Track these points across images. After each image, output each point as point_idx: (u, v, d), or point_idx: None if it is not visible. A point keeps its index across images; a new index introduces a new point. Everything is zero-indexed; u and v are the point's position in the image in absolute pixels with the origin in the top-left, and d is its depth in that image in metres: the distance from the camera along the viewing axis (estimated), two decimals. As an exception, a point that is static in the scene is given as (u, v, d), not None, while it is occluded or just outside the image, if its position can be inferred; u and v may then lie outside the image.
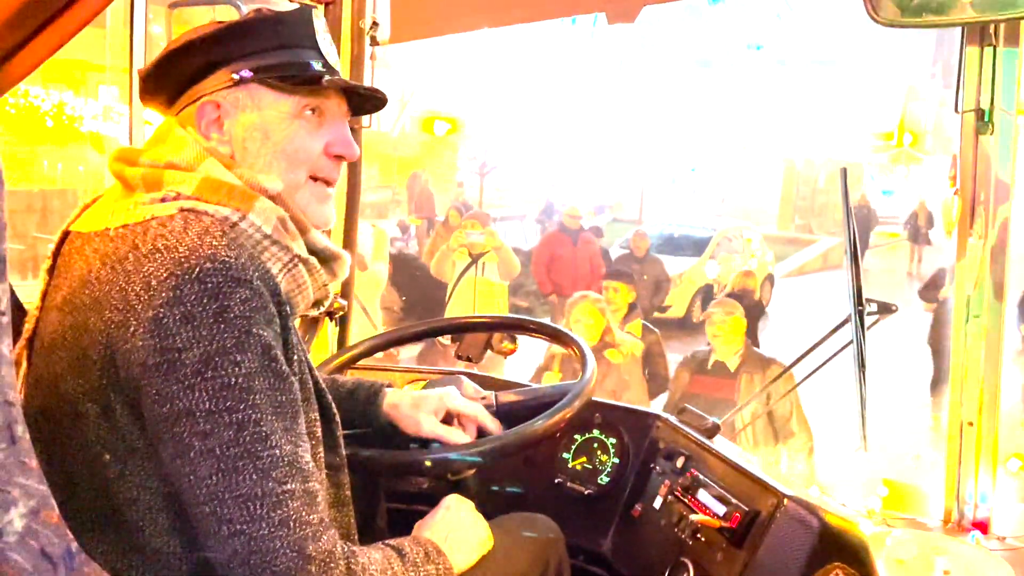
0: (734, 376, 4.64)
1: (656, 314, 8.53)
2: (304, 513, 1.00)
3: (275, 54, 1.18)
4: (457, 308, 6.75)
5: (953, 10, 1.39)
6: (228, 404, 0.98)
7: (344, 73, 2.09)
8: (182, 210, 1.07)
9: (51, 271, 1.16)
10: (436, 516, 1.31)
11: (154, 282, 0.99)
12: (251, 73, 1.16)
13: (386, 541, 1.19)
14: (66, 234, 1.16)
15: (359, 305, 6.17)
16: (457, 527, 1.29)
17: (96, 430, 1.03)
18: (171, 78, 1.19)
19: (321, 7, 2.07)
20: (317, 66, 1.20)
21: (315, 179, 1.22)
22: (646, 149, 20.63)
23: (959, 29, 1.53)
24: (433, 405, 1.46)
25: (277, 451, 1.00)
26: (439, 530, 1.27)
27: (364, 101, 1.29)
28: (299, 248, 1.16)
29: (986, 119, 1.52)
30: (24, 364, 1.13)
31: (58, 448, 1.06)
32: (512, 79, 17.99)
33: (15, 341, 1.10)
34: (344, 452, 1.26)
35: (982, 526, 1.69)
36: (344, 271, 1.28)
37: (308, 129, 1.19)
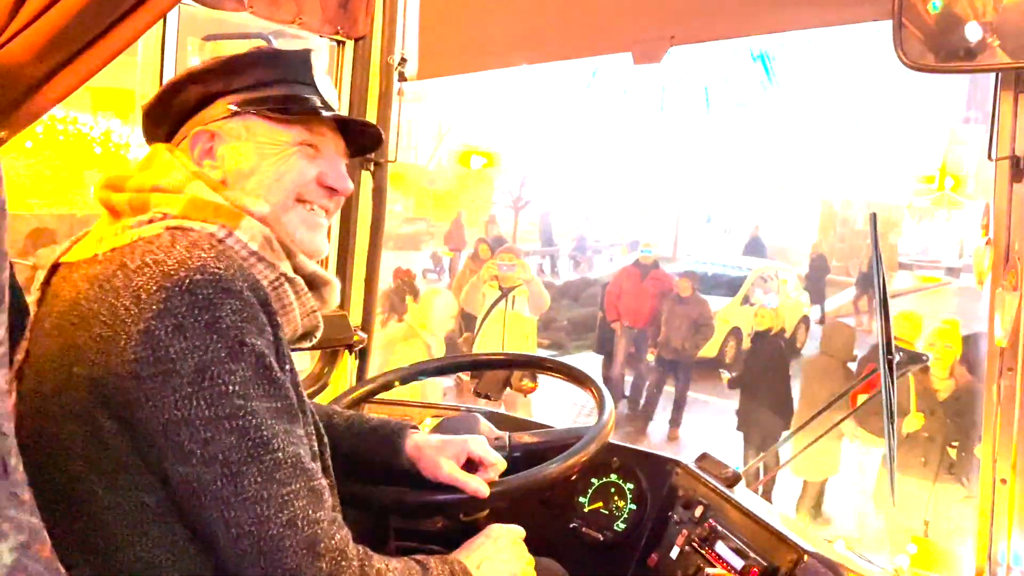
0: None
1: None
2: (311, 511, 1.01)
3: (273, 88, 1.20)
4: (486, 341, 6.73)
5: (985, 56, 1.36)
6: (228, 411, 0.98)
7: (372, 107, 2.13)
8: (168, 228, 1.08)
9: (40, 302, 1.15)
10: (475, 541, 1.29)
11: (144, 295, 0.99)
12: (248, 105, 1.18)
13: (413, 556, 1.18)
14: (56, 267, 1.16)
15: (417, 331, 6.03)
16: (494, 557, 1.27)
17: (84, 449, 1.02)
18: (172, 111, 1.22)
19: (351, 42, 2.11)
20: (314, 102, 1.22)
21: (302, 201, 1.22)
22: (681, 186, 20.58)
23: (993, 75, 1.49)
24: (455, 450, 1.43)
25: (280, 454, 1.01)
26: (474, 556, 1.26)
27: (361, 139, 1.30)
28: (285, 267, 1.16)
29: (1020, 166, 1.47)
30: (14, 393, 1.12)
31: (46, 472, 1.04)
32: (548, 114, 18.13)
33: (16, 345, 1.10)
34: (334, 477, 1.24)
35: (1016, 589, 1.61)
36: (335, 298, 1.28)
37: (302, 159, 1.21)
